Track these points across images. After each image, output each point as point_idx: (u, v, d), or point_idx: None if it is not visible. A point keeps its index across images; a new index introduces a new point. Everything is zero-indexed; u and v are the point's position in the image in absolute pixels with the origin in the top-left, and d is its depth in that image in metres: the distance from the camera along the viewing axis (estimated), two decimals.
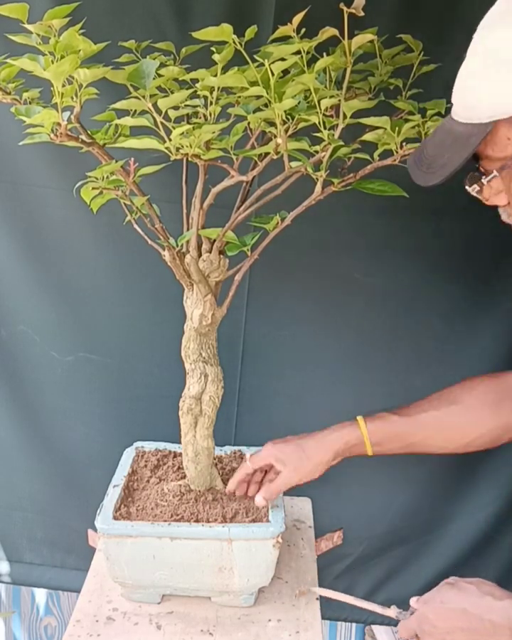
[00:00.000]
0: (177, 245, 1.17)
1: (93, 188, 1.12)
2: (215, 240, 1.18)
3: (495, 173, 0.95)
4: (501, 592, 1.03)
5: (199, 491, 1.30)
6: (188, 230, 1.20)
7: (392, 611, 1.15)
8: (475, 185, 0.98)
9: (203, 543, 1.20)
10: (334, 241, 1.64)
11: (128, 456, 1.42)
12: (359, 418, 1.30)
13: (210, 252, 1.20)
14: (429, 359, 1.71)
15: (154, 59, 1.07)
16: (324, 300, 1.68)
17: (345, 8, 0.94)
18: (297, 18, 0.96)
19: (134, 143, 1.00)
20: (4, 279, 1.66)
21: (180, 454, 1.35)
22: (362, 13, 0.94)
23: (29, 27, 0.90)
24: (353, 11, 0.94)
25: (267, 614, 1.26)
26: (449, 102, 0.97)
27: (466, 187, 0.99)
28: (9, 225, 1.62)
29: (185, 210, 1.22)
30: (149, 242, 1.18)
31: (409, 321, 1.68)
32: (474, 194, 1.00)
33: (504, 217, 1.04)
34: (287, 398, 1.74)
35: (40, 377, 1.73)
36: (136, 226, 1.20)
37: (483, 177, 0.97)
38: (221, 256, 1.20)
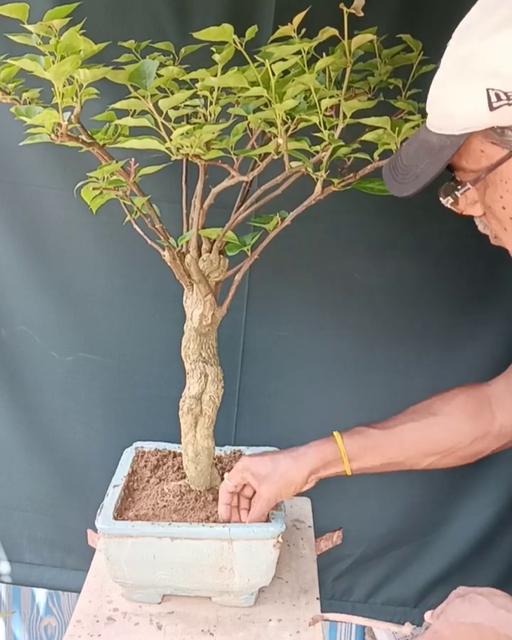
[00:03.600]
0: (177, 245, 1.18)
1: (93, 189, 1.12)
2: (215, 240, 1.18)
3: (468, 185, 0.92)
4: None
5: (199, 491, 1.30)
6: (188, 230, 1.20)
7: (406, 629, 1.12)
8: (449, 197, 0.95)
9: (204, 543, 1.20)
10: (334, 241, 1.64)
11: (128, 456, 1.42)
12: (335, 433, 1.25)
13: (210, 252, 1.20)
14: (429, 359, 1.71)
15: (154, 59, 1.07)
16: (324, 300, 1.68)
17: (345, 9, 0.94)
18: (298, 19, 0.96)
19: (135, 143, 1.00)
20: (4, 279, 1.67)
21: (180, 454, 1.35)
22: (362, 13, 0.94)
23: (29, 27, 0.90)
24: (353, 11, 0.94)
25: (267, 614, 1.26)
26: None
27: (441, 199, 0.96)
28: (9, 225, 1.63)
29: (185, 210, 1.22)
30: (149, 242, 1.18)
31: (409, 321, 1.68)
32: (448, 206, 0.96)
33: (481, 228, 1.01)
34: (287, 398, 1.74)
35: (40, 377, 1.73)
36: (136, 226, 1.20)
37: (458, 189, 0.93)
38: (221, 256, 1.20)
